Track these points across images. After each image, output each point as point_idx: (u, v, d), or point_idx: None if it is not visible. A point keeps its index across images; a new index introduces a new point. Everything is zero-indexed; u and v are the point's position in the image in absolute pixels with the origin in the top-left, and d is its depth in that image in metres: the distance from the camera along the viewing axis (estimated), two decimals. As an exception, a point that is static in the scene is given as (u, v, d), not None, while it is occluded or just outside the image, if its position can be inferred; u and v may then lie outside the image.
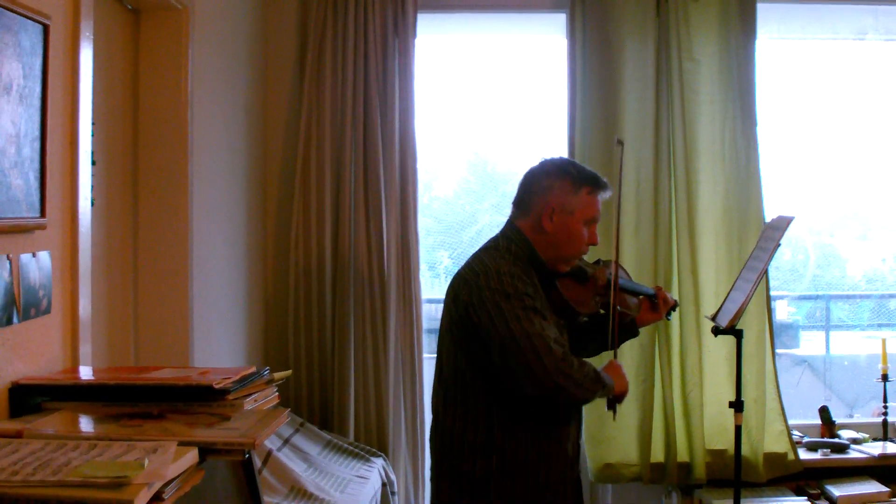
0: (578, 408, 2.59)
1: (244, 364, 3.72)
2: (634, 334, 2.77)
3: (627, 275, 2.84)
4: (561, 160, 2.56)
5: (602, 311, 2.70)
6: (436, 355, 2.58)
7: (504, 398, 2.40)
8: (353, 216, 4.04)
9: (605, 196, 2.53)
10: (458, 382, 2.45)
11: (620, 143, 2.73)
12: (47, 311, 2.03)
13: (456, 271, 2.52)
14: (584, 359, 2.47)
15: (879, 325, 4.98)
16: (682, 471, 4.11)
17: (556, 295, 2.50)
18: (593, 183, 2.49)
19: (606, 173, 4.00)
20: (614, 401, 2.54)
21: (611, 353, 2.68)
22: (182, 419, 1.80)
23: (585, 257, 2.67)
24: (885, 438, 4.24)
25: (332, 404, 4.04)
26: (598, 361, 3.99)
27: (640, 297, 2.80)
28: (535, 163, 2.58)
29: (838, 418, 4.35)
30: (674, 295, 4.03)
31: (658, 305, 2.77)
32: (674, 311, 2.87)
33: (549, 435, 2.44)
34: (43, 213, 2.01)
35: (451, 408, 2.47)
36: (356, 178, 4.04)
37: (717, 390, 4.09)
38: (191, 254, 3.06)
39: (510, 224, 2.55)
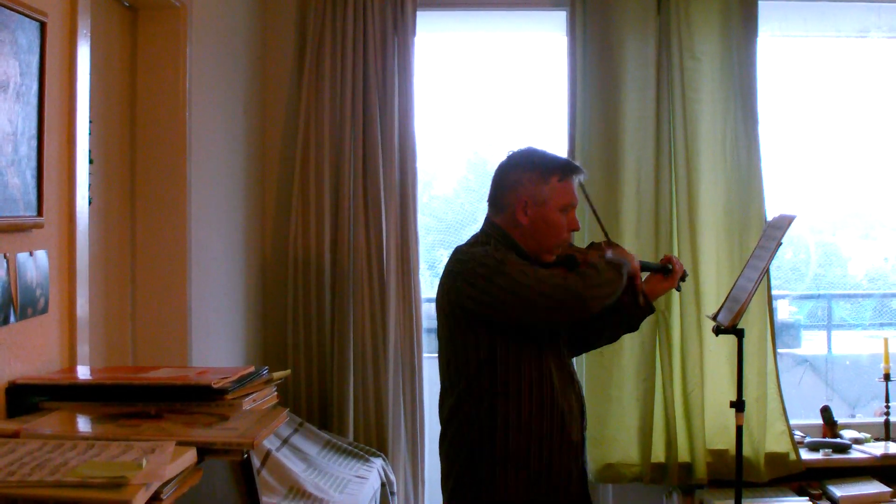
0: (581, 397, 2.58)
1: (242, 364, 3.71)
2: (650, 310, 2.68)
3: None
4: (528, 151, 2.54)
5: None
6: (437, 360, 2.58)
7: (508, 390, 2.41)
8: (353, 215, 4.03)
9: (578, 180, 2.52)
10: (462, 381, 2.45)
11: (581, 185, 2.65)
12: (45, 310, 2.02)
13: (442, 273, 2.51)
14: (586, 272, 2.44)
15: (881, 325, 4.96)
16: (683, 471, 4.11)
17: None
18: (562, 170, 2.48)
19: (606, 172, 4.04)
20: (630, 288, 2.52)
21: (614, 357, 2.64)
22: (180, 419, 1.79)
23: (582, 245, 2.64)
24: (887, 438, 4.22)
25: (331, 404, 4.03)
26: (603, 354, 3.97)
27: (645, 272, 2.74)
28: (502, 158, 2.56)
29: (840, 418, 4.34)
30: (674, 294, 4.02)
31: (671, 274, 2.70)
32: (683, 280, 2.77)
33: (552, 422, 2.44)
34: (40, 212, 2.00)
35: (455, 410, 2.48)
36: (355, 177, 4.03)
37: (719, 390, 4.08)
38: (189, 253, 3.06)
39: (488, 221, 2.55)
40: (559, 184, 2.47)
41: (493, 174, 2.57)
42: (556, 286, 2.33)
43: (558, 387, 2.46)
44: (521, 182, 2.47)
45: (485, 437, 2.42)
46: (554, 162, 2.50)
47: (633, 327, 2.72)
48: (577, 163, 2.55)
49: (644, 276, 2.70)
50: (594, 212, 2.67)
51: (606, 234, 2.65)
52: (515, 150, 2.55)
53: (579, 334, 2.67)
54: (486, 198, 2.58)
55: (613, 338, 2.79)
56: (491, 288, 2.34)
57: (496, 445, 2.40)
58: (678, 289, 2.82)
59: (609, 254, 2.53)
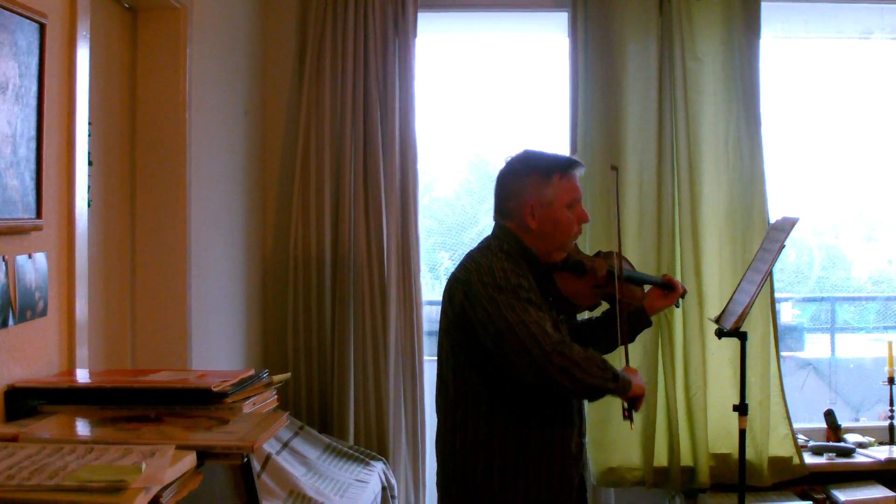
0: (581, 404, 2.57)
1: (243, 367, 3.70)
2: (647, 324, 2.70)
3: (631, 266, 2.80)
4: (524, 155, 2.53)
5: (605, 303, 2.66)
6: (436, 358, 2.57)
7: (505, 397, 2.40)
8: (353, 217, 4.02)
9: (579, 173, 2.51)
10: (459, 383, 2.45)
11: (615, 168, 2.69)
12: (43, 313, 2.01)
13: (450, 273, 2.52)
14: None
15: (885, 328, 4.94)
16: (686, 475, 4.09)
17: (554, 289, 2.49)
18: (562, 167, 2.48)
19: (602, 186, 4.02)
20: (630, 406, 2.47)
21: (619, 348, 2.63)
22: (180, 422, 1.79)
23: (587, 250, 2.64)
24: (891, 442, 4.21)
25: (331, 407, 4.01)
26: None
27: (647, 286, 2.75)
28: (501, 165, 2.55)
29: (844, 422, 4.33)
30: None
31: (672, 292, 2.71)
32: (682, 297, 2.80)
33: (551, 433, 2.43)
34: (39, 215, 1.99)
35: (452, 410, 2.47)
36: (356, 179, 4.02)
37: (721, 393, 4.06)
38: (189, 255, 3.05)
39: (499, 225, 2.55)
40: (561, 181, 2.46)
41: (494, 182, 2.57)
42: (531, 334, 2.27)
43: (557, 395, 2.44)
44: (525, 187, 2.47)
45: (481, 443, 2.40)
46: (553, 160, 2.50)
47: (630, 339, 2.70)
48: (575, 156, 2.55)
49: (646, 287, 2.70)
50: (619, 249, 2.67)
51: (620, 242, 2.65)
52: (512, 155, 2.55)
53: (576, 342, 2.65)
54: (492, 204, 2.57)
55: (609, 348, 2.76)
56: (479, 310, 2.34)
57: (493, 452, 2.39)
58: (677, 305, 2.86)
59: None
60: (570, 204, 2.47)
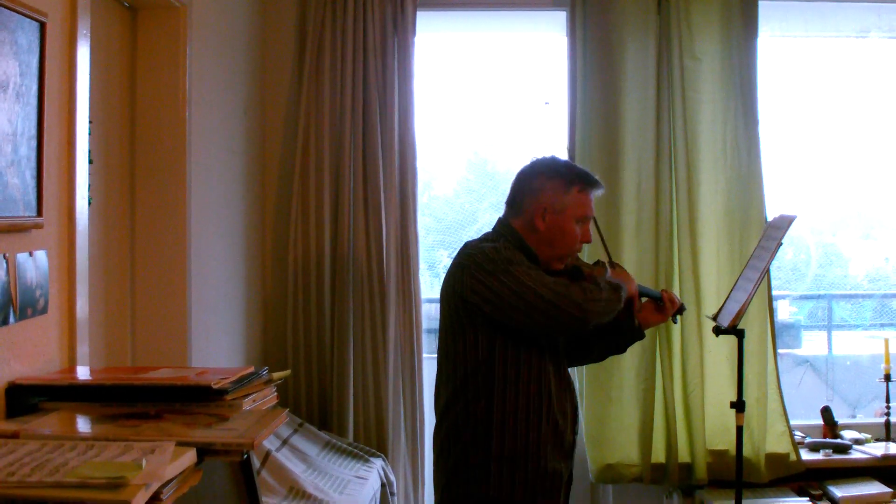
0: (575, 400, 2.60)
1: (242, 364, 3.70)
2: (640, 336, 2.75)
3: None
4: (552, 159, 2.59)
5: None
6: (436, 354, 2.59)
7: (505, 393, 2.42)
8: (353, 215, 4.03)
9: (596, 194, 2.57)
10: (459, 375, 2.47)
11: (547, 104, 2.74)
12: (44, 310, 2.01)
13: (449, 265, 2.54)
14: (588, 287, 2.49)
15: (882, 325, 4.96)
16: (684, 471, 4.10)
17: None
18: (584, 181, 2.54)
19: (606, 173, 4.04)
20: (627, 310, 2.56)
21: (614, 358, 2.67)
22: (180, 419, 1.79)
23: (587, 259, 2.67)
24: (887, 439, 4.21)
25: (331, 404, 4.02)
26: (600, 366, 3.97)
27: (643, 298, 2.78)
28: (525, 162, 2.61)
29: (840, 419, 4.33)
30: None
31: (664, 307, 2.76)
32: (680, 314, 2.83)
33: (548, 425, 2.45)
34: (40, 213, 2.00)
35: (452, 405, 2.49)
36: (355, 177, 4.02)
37: (719, 390, 4.07)
38: (189, 253, 3.05)
39: (503, 222, 2.58)
40: (579, 194, 2.51)
41: (514, 177, 2.61)
42: (558, 293, 2.35)
43: (555, 390, 2.48)
44: (544, 189, 2.51)
45: (479, 434, 2.43)
46: (577, 173, 2.56)
47: (622, 349, 2.78)
48: (598, 177, 2.60)
49: (643, 300, 2.75)
50: (600, 234, 2.71)
51: (610, 257, 2.69)
52: (539, 157, 2.60)
53: (569, 349, 2.68)
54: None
55: (601, 357, 2.85)
56: (495, 285, 2.37)
57: (491, 444, 2.42)
58: (674, 321, 2.88)
59: (609, 274, 2.57)
60: (580, 219, 2.52)
